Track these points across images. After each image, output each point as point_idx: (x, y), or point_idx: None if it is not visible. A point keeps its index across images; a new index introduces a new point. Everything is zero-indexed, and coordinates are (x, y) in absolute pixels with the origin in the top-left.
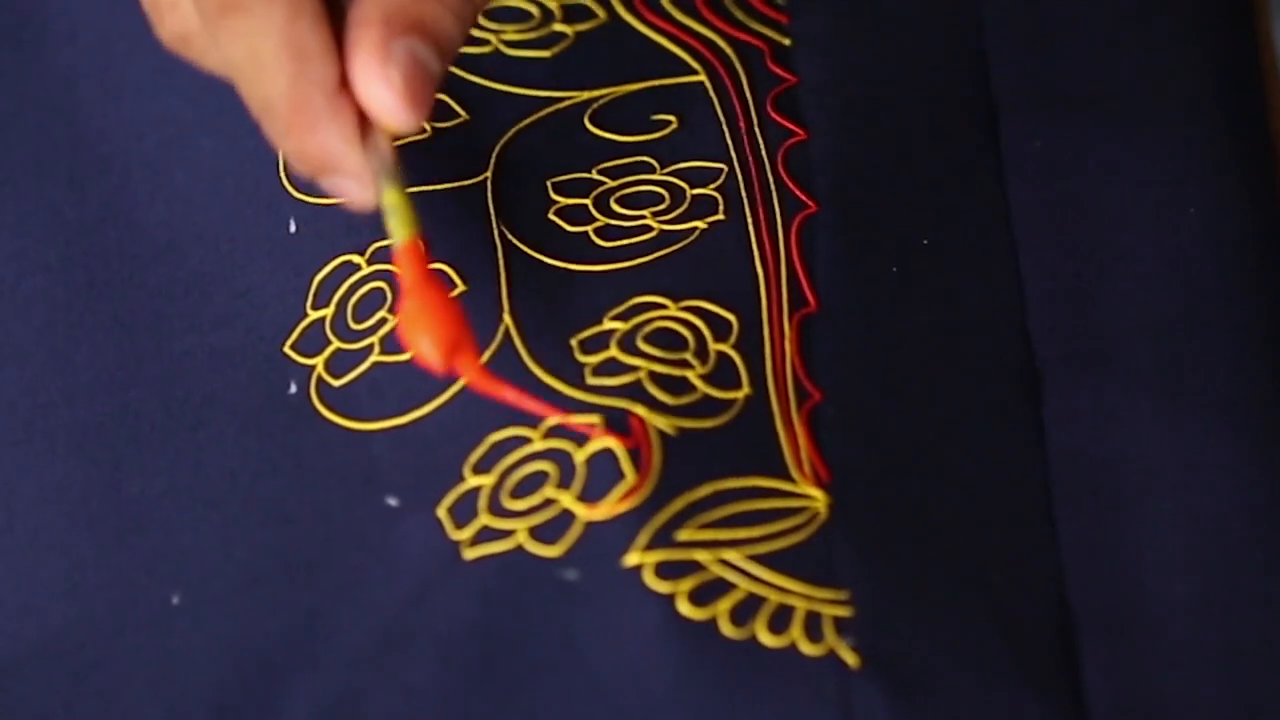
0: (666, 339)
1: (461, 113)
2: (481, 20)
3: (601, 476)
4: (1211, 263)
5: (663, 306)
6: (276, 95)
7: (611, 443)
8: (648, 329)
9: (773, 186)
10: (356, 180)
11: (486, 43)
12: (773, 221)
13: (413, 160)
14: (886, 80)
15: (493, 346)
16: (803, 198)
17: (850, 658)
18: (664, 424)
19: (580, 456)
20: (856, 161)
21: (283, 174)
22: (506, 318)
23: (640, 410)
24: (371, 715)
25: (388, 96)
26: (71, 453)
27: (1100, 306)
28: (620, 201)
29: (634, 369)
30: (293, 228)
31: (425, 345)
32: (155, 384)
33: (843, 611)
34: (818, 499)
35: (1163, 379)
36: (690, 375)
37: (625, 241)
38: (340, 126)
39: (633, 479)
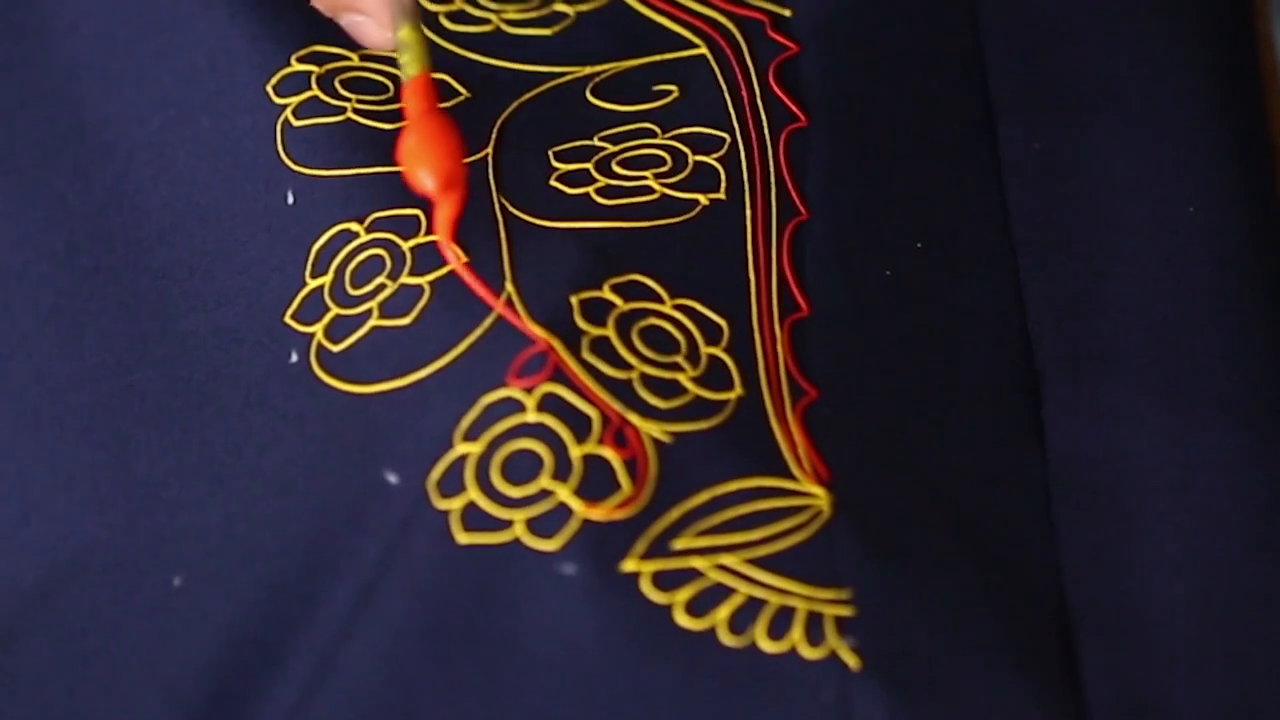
0: (658, 339)
1: (463, 90)
2: (483, 0)
3: (598, 478)
4: (1211, 263)
5: (658, 299)
6: None
7: (608, 453)
8: (642, 323)
9: (773, 180)
10: (374, 17)
11: (488, 22)
12: (768, 221)
13: None
14: (884, 83)
15: (494, 315)
16: (797, 200)
17: (851, 659)
18: (658, 431)
19: (577, 454)
20: (852, 164)
21: (280, 147)
22: (509, 285)
23: (634, 418)
24: (358, 695)
25: None
26: (80, 436)
27: (1099, 307)
28: (622, 164)
29: (628, 366)
30: (290, 199)
31: (423, 174)
32: (161, 364)
33: (845, 611)
34: (820, 496)
35: (1162, 379)
36: (681, 378)
37: (627, 200)
38: None
39: (629, 490)
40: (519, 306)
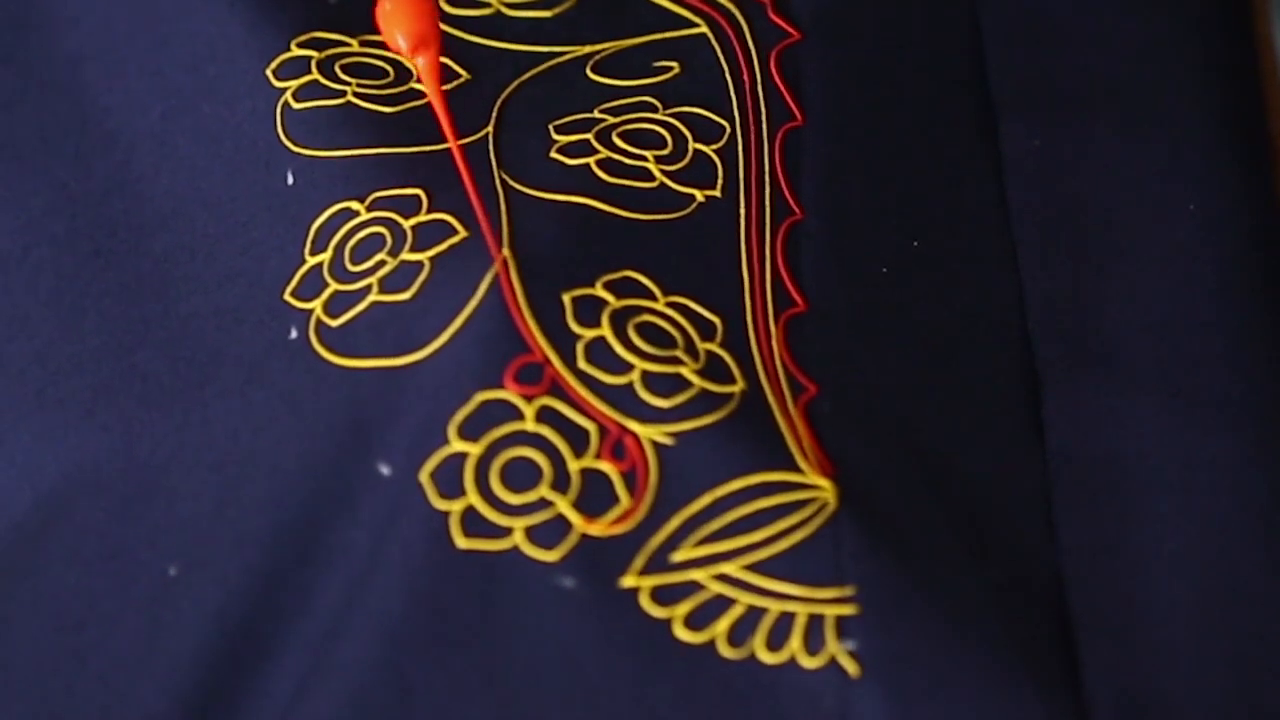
0: (655, 336)
1: (462, 73)
2: None
3: (596, 493)
4: (1211, 262)
5: (651, 296)
6: None
7: (606, 466)
8: (636, 320)
9: (767, 180)
10: None
11: (488, 5)
12: (762, 220)
13: (415, 122)
14: (883, 78)
15: (488, 277)
16: (791, 201)
17: (850, 666)
18: (659, 435)
19: (575, 467)
20: (848, 163)
21: (280, 129)
22: (505, 250)
23: (634, 426)
24: (355, 695)
25: None
26: (83, 419)
27: (1100, 306)
28: (622, 136)
29: (627, 368)
30: (290, 180)
31: (397, 34)
32: (162, 345)
33: (847, 610)
34: (826, 489)
35: (1162, 379)
36: (684, 371)
37: (626, 182)
38: None
39: (627, 503)
40: (514, 274)
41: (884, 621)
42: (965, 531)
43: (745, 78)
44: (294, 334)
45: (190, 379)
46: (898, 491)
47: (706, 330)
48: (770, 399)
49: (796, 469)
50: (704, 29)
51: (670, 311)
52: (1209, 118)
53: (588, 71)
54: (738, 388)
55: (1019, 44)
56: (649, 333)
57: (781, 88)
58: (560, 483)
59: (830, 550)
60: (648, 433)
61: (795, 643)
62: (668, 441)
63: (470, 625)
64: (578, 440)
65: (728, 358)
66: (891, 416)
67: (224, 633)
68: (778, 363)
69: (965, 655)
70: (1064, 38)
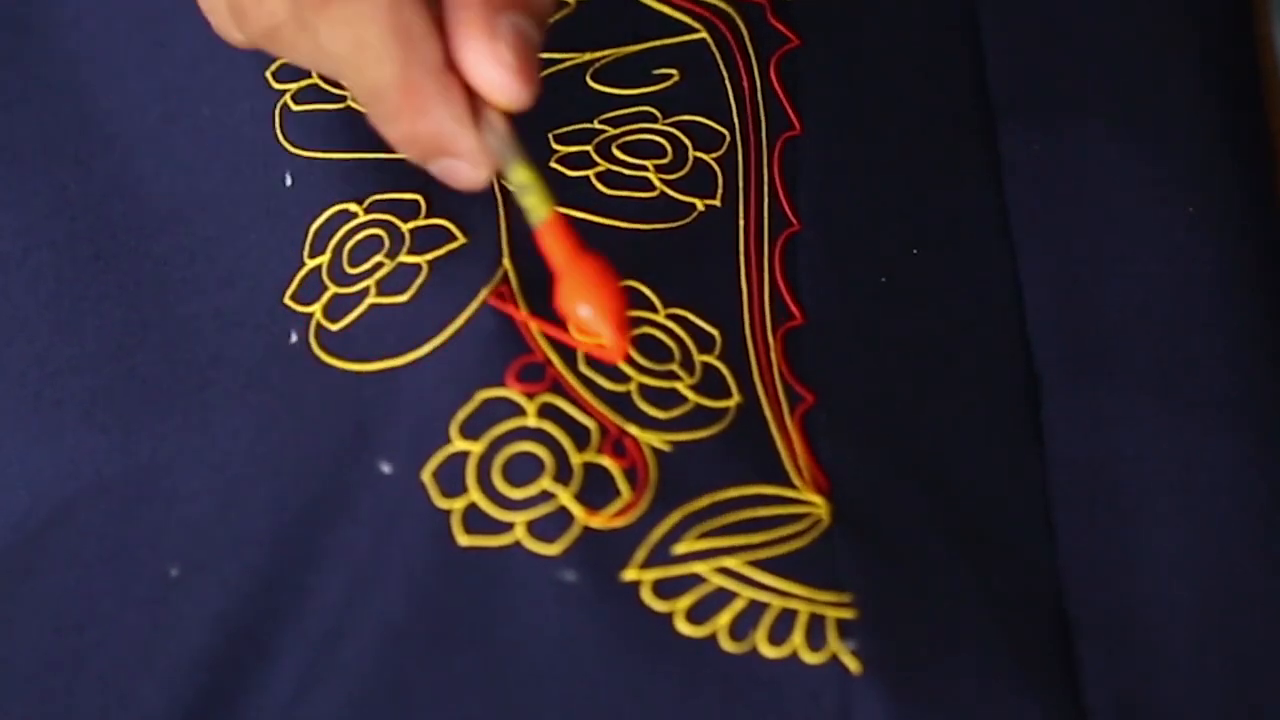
0: (653, 348)
1: None
2: None
3: (598, 485)
4: (1211, 263)
5: (652, 308)
6: (386, 81)
7: (607, 462)
8: (635, 332)
9: (765, 190)
10: (470, 161)
11: None
12: (760, 231)
13: None
14: (882, 82)
15: (490, 284)
16: (788, 212)
17: (852, 663)
18: (657, 440)
19: (577, 460)
20: (847, 173)
21: (278, 130)
22: (506, 261)
23: (633, 430)
24: (355, 693)
25: (500, 73)
26: (81, 421)
27: (1099, 308)
28: (622, 148)
29: (625, 378)
30: (289, 182)
31: (594, 317)
32: (161, 348)
33: (847, 614)
34: (819, 505)
35: (1162, 380)
36: (680, 386)
37: (627, 193)
38: (452, 106)
39: (628, 496)
40: (515, 285)
41: (884, 625)
42: (964, 536)
43: (745, 84)
44: (294, 338)
45: (190, 382)
46: (895, 500)
47: (705, 343)
48: (767, 411)
49: (790, 484)
50: (704, 34)
51: (669, 324)
52: (1209, 118)
53: (588, 79)
54: (733, 402)
55: (1019, 45)
56: (646, 346)
57: (781, 95)
58: (562, 475)
59: (827, 560)
60: (646, 438)
61: (797, 638)
62: (665, 448)
63: (471, 623)
64: (579, 436)
65: (725, 370)
66: (890, 424)
67: (225, 633)
68: (775, 374)
69: (965, 657)
70: (1063, 39)
